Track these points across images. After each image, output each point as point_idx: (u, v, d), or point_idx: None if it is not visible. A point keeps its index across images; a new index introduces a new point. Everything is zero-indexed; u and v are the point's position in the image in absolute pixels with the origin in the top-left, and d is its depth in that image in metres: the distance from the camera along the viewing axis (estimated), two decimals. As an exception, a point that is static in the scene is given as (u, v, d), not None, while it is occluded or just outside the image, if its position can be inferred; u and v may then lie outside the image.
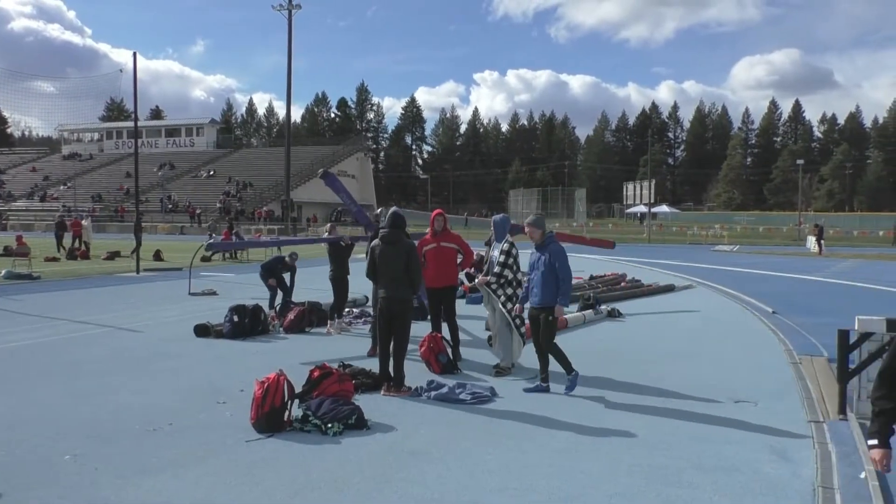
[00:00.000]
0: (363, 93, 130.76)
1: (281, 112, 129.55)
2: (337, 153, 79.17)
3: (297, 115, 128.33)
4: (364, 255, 8.06)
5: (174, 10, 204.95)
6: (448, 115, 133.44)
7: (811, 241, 38.05)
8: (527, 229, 7.29)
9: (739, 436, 5.67)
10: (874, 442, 3.18)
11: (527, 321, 7.71)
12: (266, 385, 5.73)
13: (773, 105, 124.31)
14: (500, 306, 7.86)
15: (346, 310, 12.01)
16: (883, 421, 3.19)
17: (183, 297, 14.83)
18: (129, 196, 65.26)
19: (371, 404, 6.37)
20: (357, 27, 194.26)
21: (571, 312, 12.09)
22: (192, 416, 6.09)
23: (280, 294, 12.25)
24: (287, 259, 12.37)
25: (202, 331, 10.11)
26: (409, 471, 4.85)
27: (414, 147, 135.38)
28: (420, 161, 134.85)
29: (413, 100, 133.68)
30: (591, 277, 18.34)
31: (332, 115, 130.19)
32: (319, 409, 5.84)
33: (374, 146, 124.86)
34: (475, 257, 10.43)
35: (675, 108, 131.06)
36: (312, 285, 15.00)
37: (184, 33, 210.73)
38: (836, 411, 6.26)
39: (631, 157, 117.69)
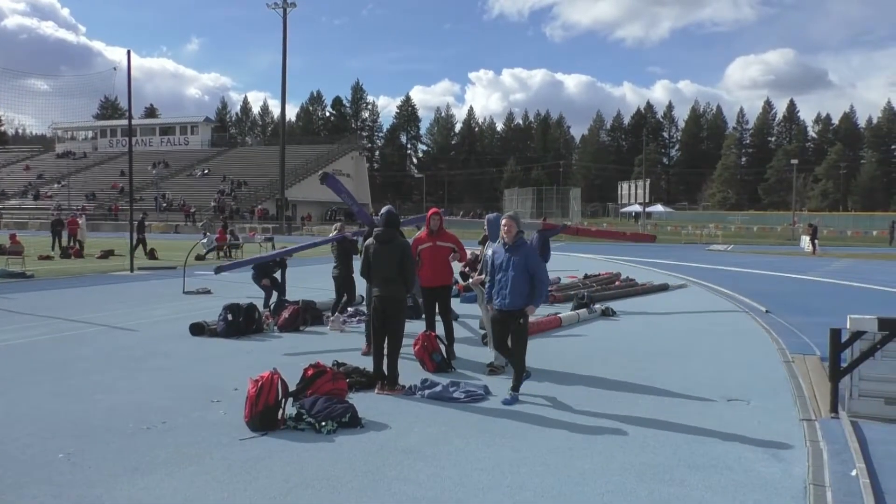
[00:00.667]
0: (358, 91, 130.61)
1: (276, 110, 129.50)
2: (332, 152, 79.08)
3: (291, 113, 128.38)
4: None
5: (168, 8, 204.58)
6: (443, 114, 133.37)
7: (805, 241, 38.15)
8: (506, 223, 6.92)
9: (732, 434, 5.69)
10: None
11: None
12: (260, 383, 5.73)
13: (768, 105, 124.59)
14: (495, 305, 7.86)
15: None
16: None
17: (177, 295, 14.81)
18: (124, 194, 65.08)
19: (365, 403, 6.38)
20: (352, 26, 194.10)
21: (566, 311, 12.13)
22: (186, 415, 6.09)
23: (275, 293, 12.25)
24: (279, 259, 12.35)
25: (197, 329, 10.10)
26: (403, 469, 4.86)
27: (409, 146, 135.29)
28: (415, 160, 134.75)
29: (408, 99, 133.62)
30: (586, 276, 18.39)
31: (327, 114, 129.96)
32: (313, 407, 5.85)
33: (370, 145, 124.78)
34: (469, 256, 10.44)
35: (670, 107, 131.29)
36: (306, 284, 15.00)
37: (178, 31, 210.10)
38: (828, 410, 6.30)
39: (626, 156, 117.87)
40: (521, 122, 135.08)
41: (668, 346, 9.63)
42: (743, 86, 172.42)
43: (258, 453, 5.15)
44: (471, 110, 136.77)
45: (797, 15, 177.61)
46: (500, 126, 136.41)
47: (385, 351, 7.08)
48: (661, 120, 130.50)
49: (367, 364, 7.47)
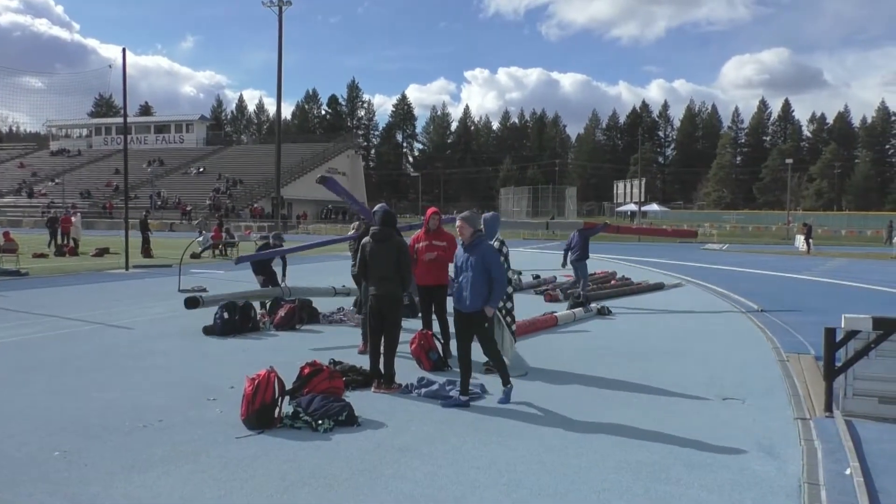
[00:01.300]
0: (354, 90, 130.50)
1: (271, 109, 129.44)
2: (328, 150, 79.03)
3: (287, 112, 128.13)
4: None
5: (163, 6, 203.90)
6: (439, 112, 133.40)
7: (799, 240, 38.27)
8: (458, 224, 6.75)
9: (727, 433, 5.71)
10: None
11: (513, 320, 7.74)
12: (256, 382, 5.73)
13: (763, 104, 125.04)
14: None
15: (337, 307, 12.01)
16: None
17: (172, 294, 14.77)
18: (118, 192, 64.95)
19: (361, 401, 6.38)
20: (348, 24, 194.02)
21: (562, 310, 12.15)
22: (182, 413, 6.09)
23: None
24: (272, 241, 12.31)
25: (192, 303, 10.11)
26: (399, 467, 4.87)
27: (405, 144, 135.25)
28: (411, 159, 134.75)
29: (404, 97, 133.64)
30: (581, 275, 18.38)
31: (323, 112, 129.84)
32: (310, 405, 5.86)
33: (365, 143, 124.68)
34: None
35: (666, 106, 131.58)
36: (304, 282, 14.97)
37: (173, 29, 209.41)
38: (823, 408, 6.32)
39: (621, 155, 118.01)
40: (516, 120, 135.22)
41: (664, 345, 9.66)
42: (738, 85, 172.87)
43: (255, 451, 5.15)
44: (467, 109, 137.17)
45: (792, 14, 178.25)
46: (495, 125, 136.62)
47: (381, 349, 7.08)
48: (657, 119, 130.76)
49: (364, 362, 7.47)
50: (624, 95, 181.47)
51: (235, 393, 6.38)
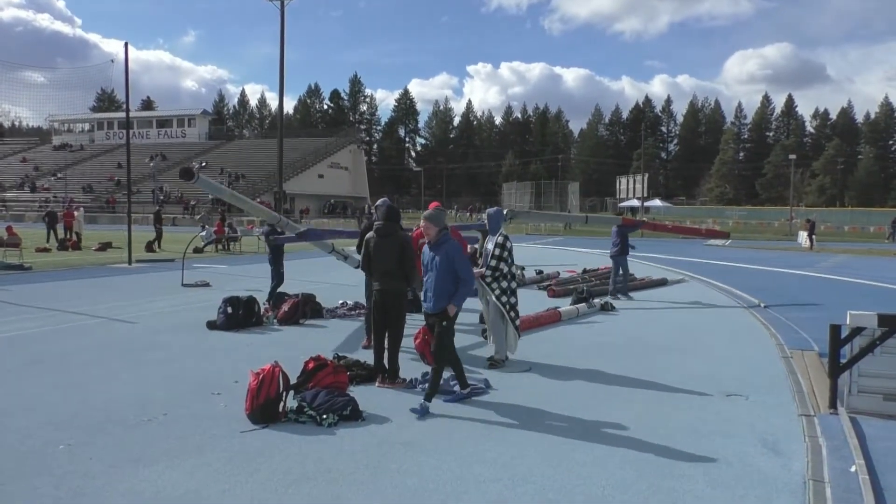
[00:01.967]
0: (356, 84, 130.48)
1: (273, 103, 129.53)
2: (330, 145, 78.99)
3: (289, 106, 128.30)
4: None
5: (165, 0, 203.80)
6: (441, 107, 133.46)
7: (802, 236, 38.19)
8: (422, 224, 6.58)
9: (730, 429, 5.71)
10: None
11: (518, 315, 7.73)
12: (261, 376, 5.73)
13: (766, 100, 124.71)
14: (495, 299, 7.88)
15: (340, 302, 12.02)
16: None
17: (176, 288, 14.79)
18: (121, 187, 64.99)
19: (366, 396, 6.39)
20: (350, 18, 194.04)
21: (565, 306, 12.15)
22: (187, 407, 6.10)
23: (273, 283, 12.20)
24: (278, 227, 12.28)
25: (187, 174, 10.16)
26: (404, 462, 4.87)
27: (407, 139, 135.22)
28: (413, 153, 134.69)
29: (406, 92, 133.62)
30: (585, 271, 18.39)
31: (325, 107, 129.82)
32: (314, 400, 5.86)
33: (368, 138, 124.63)
34: (469, 250, 10.44)
35: (669, 102, 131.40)
36: (306, 277, 14.99)
37: (175, 24, 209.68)
38: (827, 405, 6.31)
39: (624, 150, 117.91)
40: (519, 115, 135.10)
41: (667, 341, 9.65)
42: (741, 80, 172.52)
43: (259, 446, 5.15)
44: (469, 104, 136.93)
45: (795, 9, 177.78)
46: (498, 120, 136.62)
47: (385, 344, 7.08)
48: (660, 114, 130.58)
49: (368, 357, 7.47)
50: (627, 90, 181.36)
51: (240, 387, 6.38)
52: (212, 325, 10.06)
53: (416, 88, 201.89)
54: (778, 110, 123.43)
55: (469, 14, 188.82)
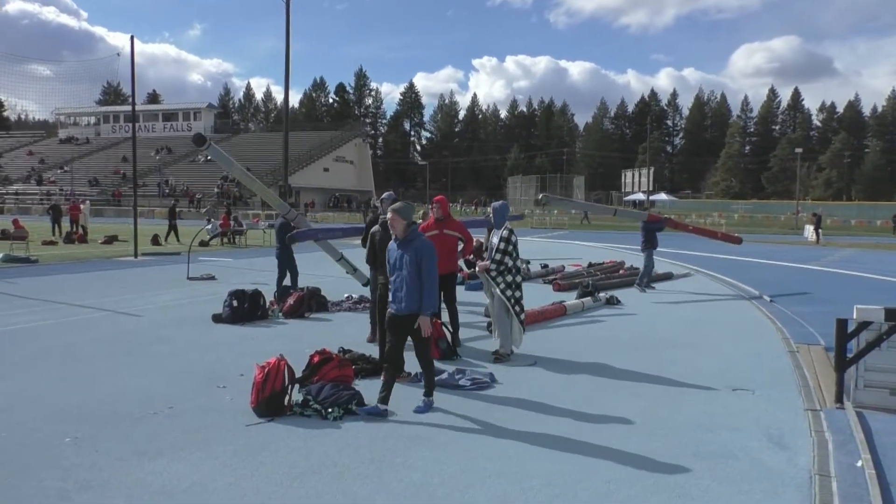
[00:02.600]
0: (361, 78, 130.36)
1: (279, 97, 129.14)
2: (335, 139, 78.94)
3: (295, 100, 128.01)
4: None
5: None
6: (447, 101, 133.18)
7: (809, 230, 38.05)
8: (389, 216, 6.04)
9: (736, 423, 5.70)
10: None
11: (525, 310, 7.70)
12: (266, 370, 5.74)
13: (772, 93, 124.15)
14: (500, 293, 7.87)
15: (346, 296, 12.03)
16: None
17: (181, 281, 14.83)
18: (126, 180, 65.11)
19: (371, 390, 6.36)
20: (355, 11, 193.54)
21: (570, 300, 12.13)
22: (192, 400, 6.11)
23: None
24: (291, 221, 12.27)
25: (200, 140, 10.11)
26: (409, 455, 4.87)
27: (412, 133, 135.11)
28: (418, 147, 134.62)
29: (411, 85, 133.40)
30: (590, 265, 18.39)
31: (331, 101, 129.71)
32: (320, 393, 5.87)
33: (373, 132, 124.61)
34: (475, 244, 10.42)
35: (675, 95, 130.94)
36: (312, 270, 14.99)
37: (180, 17, 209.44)
38: (833, 400, 6.29)
39: (629, 144, 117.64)
40: (524, 109, 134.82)
41: (673, 335, 9.63)
42: (747, 74, 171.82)
43: (264, 439, 5.16)
44: (474, 97, 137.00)
45: (803, 2, 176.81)
46: (503, 113, 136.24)
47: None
48: (665, 108, 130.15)
49: (373, 351, 7.48)
50: (632, 84, 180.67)
51: (245, 381, 6.40)
52: (217, 319, 10.07)
53: (422, 82, 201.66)
54: (784, 104, 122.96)
55: (474, 8, 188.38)
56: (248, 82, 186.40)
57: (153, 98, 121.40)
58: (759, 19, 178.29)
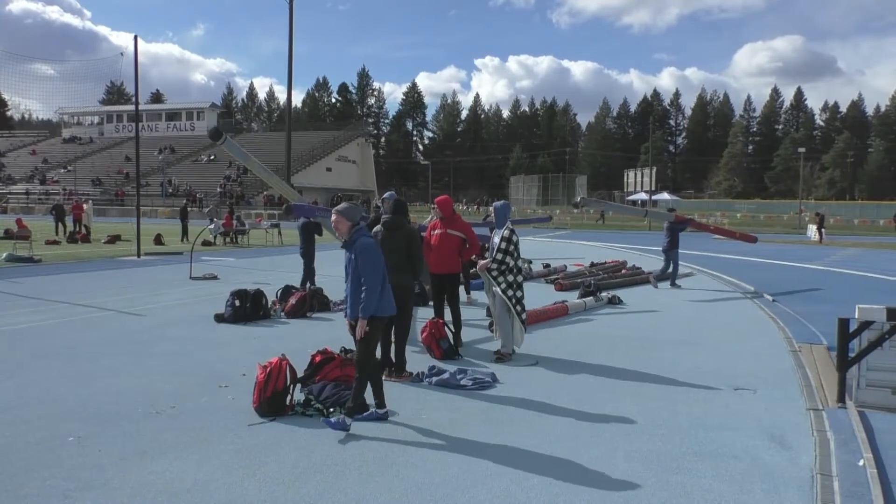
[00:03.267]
0: (364, 78, 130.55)
1: (282, 97, 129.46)
2: (338, 138, 78.98)
3: (297, 99, 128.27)
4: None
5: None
6: (449, 100, 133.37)
7: (812, 230, 38.02)
8: (334, 218, 5.69)
9: (738, 423, 5.70)
10: None
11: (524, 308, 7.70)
12: (268, 369, 5.75)
13: (775, 93, 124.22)
14: (501, 293, 7.87)
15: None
16: None
17: (184, 281, 14.85)
18: (130, 180, 65.17)
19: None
20: (358, 11, 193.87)
21: (572, 300, 12.13)
22: (195, 400, 6.12)
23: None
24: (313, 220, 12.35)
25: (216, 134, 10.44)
26: (410, 455, 4.88)
27: (415, 133, 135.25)
28: (421, 147, 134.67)
29: (414, 85, 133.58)
30: (592, 264, 18.38)
31: (333, 100, 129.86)
32: (321, 393, 5.88)
33: (375, 132, 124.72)
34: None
35: (677, 95, 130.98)
36: (318, 271, 14.99)
37: (184, 16, 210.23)
38: (835, 399, 6.29)
39: (632, 144, 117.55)
40: (527, 109, 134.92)
41: (675, 335, 9.62)
42: (750, 73, 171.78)
43: (266, 439, 5.17)
44: (477, 97, 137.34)
45: (805, 1, 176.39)
46: (506, 113, 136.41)
47: (392, 338, 7.09)
48: (668, 107, 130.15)
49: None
50: (635, 84, 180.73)
51: (247, 380, 6.41)
52: (219, 318, 10.09)
53: (424, 82, 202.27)
54: (787, 103, 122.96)
55: (477, 7, 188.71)
56: (252, 82, 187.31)
57: (157, 98, 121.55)
58: (762, 19, 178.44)
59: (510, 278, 7.88)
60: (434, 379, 6.84)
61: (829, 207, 62.41)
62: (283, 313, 10.65)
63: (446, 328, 8.19)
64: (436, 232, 8.55)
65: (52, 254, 21.10)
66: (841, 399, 6.26)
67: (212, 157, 74.90)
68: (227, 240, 27.07)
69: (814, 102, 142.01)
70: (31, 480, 4.35)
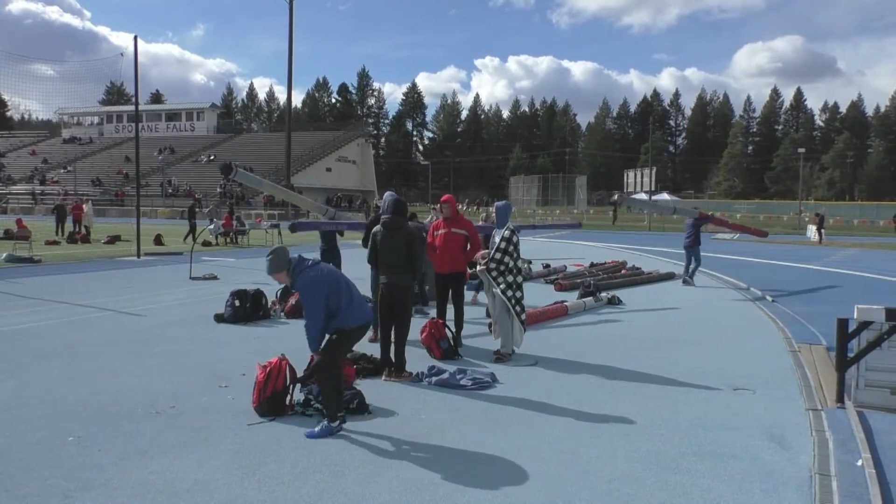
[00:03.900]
0: (364, 78, 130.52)
1: (281, 97, 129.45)
2: (338, 139, 78.93)
3: (297, 100, 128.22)
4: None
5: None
6: (449, 101, 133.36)
7: (811, 230, 38.03)
8: (273, 277, 5.49)
9: (737, 423, 5.70)
10: None
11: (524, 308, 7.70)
12: (268, 369, 5.76)
13: (775, 93, 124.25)
14: (500, 293, 7.88)
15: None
16: None
17: (184, 281, 14.85)
18: (129, 180, 65.15)
19: (372, 389, 6.40)
20: (358, 11, 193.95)
21: (572, 300, 12.14)
22: (194, 400, 6.13)
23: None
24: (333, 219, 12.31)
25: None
26: (410, 455, 4.89)
27: (415, 133, 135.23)
28: (421, 147, 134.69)
29: (414, 85, 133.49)
30: (592, 265, 18.39)
31: (333, 101, 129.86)
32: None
33: (375, 132, 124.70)
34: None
35: (677, 95, 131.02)
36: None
37: (184, 17, 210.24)
38: (834, 399, 6.30)
39: (632, 144, 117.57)
40: (526, 109, 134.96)
41: (674, 335, 9.63)
42: (750, 73, 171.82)
43: (266, 438, 5.18)
44: (477, 97, 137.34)
45: (805, 1, 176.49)
46: (505, 113, 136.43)
47: (392, 338, 7.09)
48: (668, 108, 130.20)
49: (375, 351, 7.49)
50: (635, 84, 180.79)
51: (247, 380, 6.42)
52: (219, 318, 10.10)
53: (424, 82, 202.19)
54: (787, 104, 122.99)
55: (477, 7, 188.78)
56: (251, 82, 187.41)
57: (156, 98, 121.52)
58: (761, 19, 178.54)
59: (510, 279, 7.89)
60: (434, 379, 6.85)
61: (828, 208, 62.33)
62: (282, 313, 10.66)
63: (446, 328, 8.20)
64: (440, 232, 8.55)
65: (51, 254, 21.10)
66: (840, 399, 6.27)
67: (212, 158, 74.88)
68: (227, 240, 27.06)
69: (814, 103, 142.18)
70: (31, 480, 4.36)
